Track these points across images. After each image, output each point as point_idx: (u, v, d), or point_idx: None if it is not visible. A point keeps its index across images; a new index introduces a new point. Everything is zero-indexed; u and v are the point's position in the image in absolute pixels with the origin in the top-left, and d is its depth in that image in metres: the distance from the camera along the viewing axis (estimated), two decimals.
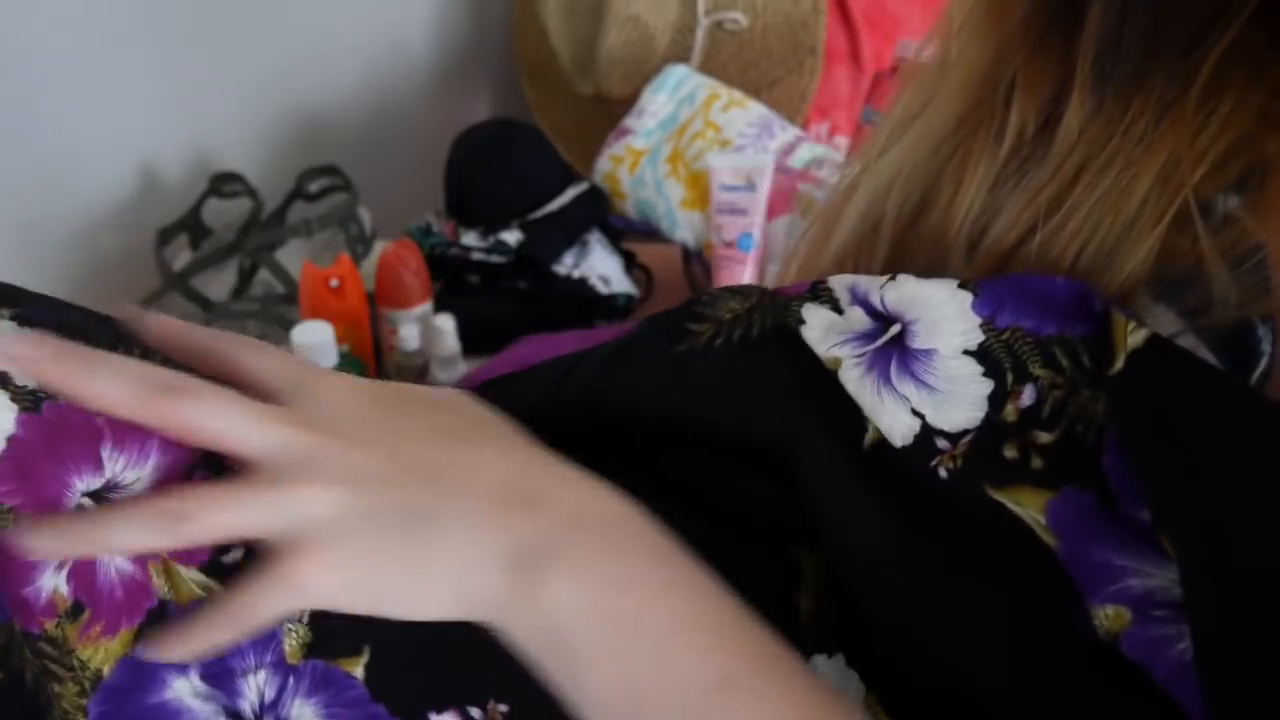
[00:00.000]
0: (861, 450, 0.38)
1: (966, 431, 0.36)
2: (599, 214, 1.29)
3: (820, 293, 0.40)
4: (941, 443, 0.36)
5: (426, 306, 1.13)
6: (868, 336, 0.38)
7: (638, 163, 1.39)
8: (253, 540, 0.36)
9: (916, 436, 0.37)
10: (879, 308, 0.38)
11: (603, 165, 1.42)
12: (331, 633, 0.37)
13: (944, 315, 0.37)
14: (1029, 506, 0.35)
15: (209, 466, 0.37)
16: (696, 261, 1.35)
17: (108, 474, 0.36)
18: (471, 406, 0.40)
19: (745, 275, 1.25)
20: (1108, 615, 0.34)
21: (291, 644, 0.37)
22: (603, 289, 1.23)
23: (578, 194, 1.28)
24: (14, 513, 0.36)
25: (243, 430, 0.35)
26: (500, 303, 1.22)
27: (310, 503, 0.34)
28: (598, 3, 1.44)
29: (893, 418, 0.37)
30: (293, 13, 1.40)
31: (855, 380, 0.38)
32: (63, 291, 0.40)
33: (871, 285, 0.39)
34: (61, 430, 0.36)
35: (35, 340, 0.34)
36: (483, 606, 0.35)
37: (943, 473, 0.36)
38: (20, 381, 0.36)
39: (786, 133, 1.38)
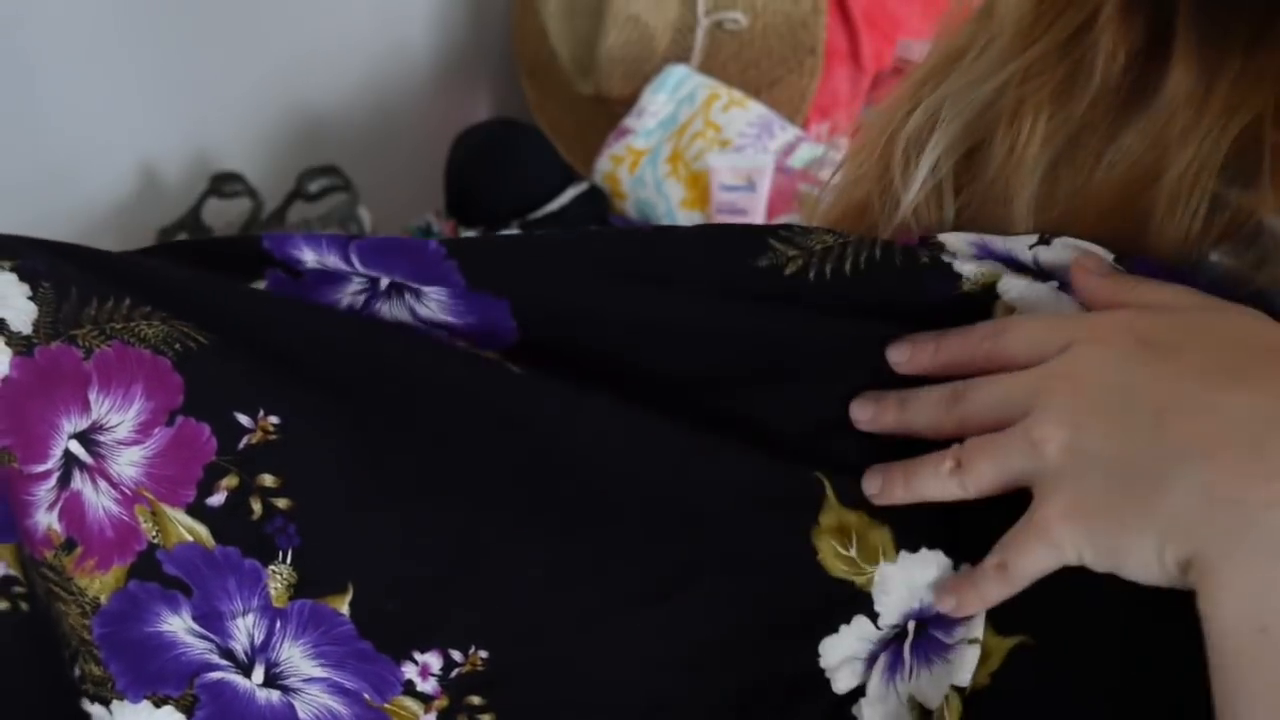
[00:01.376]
0: None
1: None
2: (599, 214, 1.29)
3: (934, 246, 0.40)
4: None
5: None
6: (1025, 269, 0.39)
7: (638, 163, 1.39)
8: (1016, 485, 0.37)
9: None
10: (1030, 265, 0.39)
11: (603, 165, 1.42)
12: (316, 570, 0.38)
13: None
14: None
15: (193, 411, 0.39)
16: None
17: (94, 415, 0.38)
18: (1274, 345, 0.35)
19: None
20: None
21: (277, 586, 0.39)
22: None
23: (578, 194, 1.28)
24: (7, 452, 0.38)
25: (1010, 392, 0.37)
26: None
27: (1044, 443, 0.35)
28: (598, 3, 1.44)
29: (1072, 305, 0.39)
30: (293, 13, 1.40)
31: (1024, 285, 0.39)
32: None
33: (1015, 245, 0.39)
34: (53, 373, 0.38)
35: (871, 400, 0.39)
36: (1203, 582, 0.33)
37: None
38: (15, 327, 0.38)
39: (786, 133, 1.38)
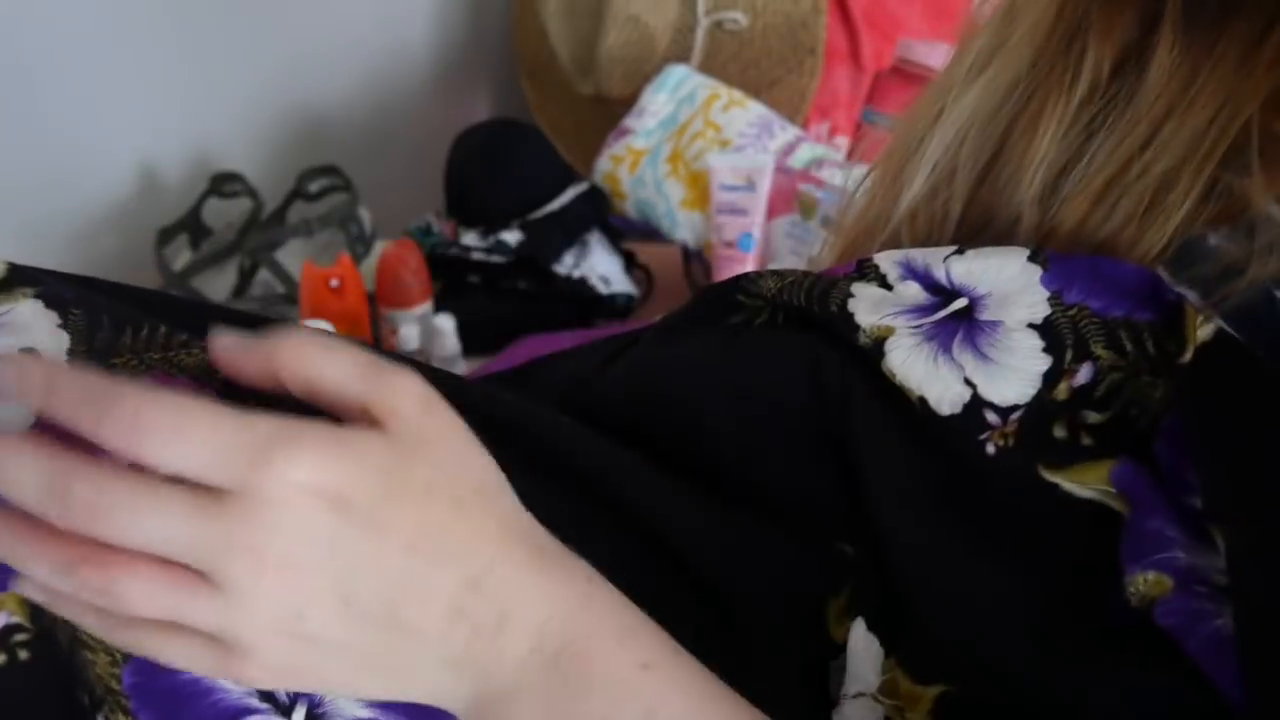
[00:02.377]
0: (908, 418, 0.38)
1: (1016, 407, 0.36)
2: (599, 214, 1.29)
3: (867, 270, 0.40)
4: (991, 416, 0.36)
5: (426, 306, 1.13)
6: (924, 310, 0.38)
7: (638, 163, 1.39)
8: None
9: (965, 406, 0.37)
10: (943, 281, 0.38)
11: (603, 165, 1.42)
12: None
13: (1014, 288, 0.37)
14: (1092, 479, 0.34)
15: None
16: (696, 261, 1.35)
17: None
18: (464, 491, 0.34)
19: None
20: (1146, 581, 0.34)
21: None
22: (603, 289, 1.23)
23: (578, 194, 1.28)
24: None
25: (171, 549, 0.30)
26: (500, 303, 1.22)
27: (251, 637, 0.31)
28: (598, 3, 1.44)
29: (945, 385, 0.37)
30: (293, 13, 1.40)
31: (907, 349, 0.38)
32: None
33: (933, 259, 0.39)
34: None
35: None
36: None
37: (990, 449, 0.36)
38: (48, 357, 0.35)
39: (786, 133, 1.38)
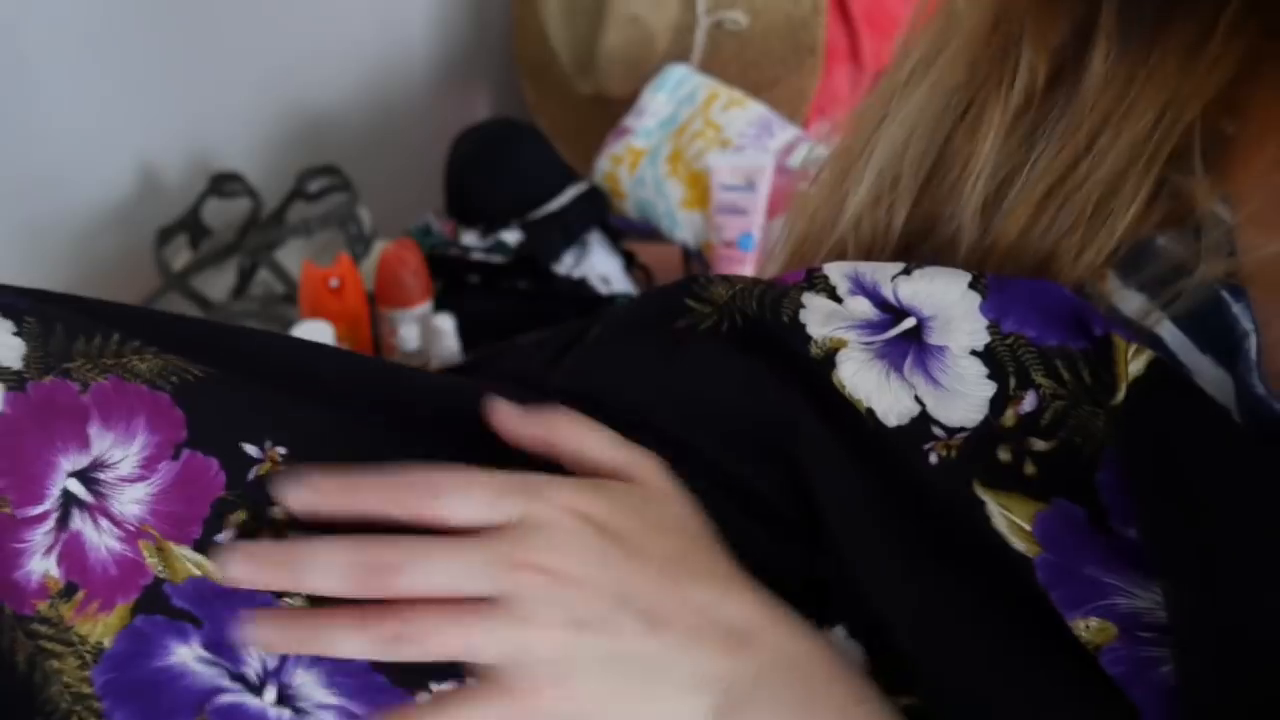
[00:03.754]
0: (855, 433, 0.38)
1: (963, 429, 0.36)
2: (599, 214, 1.29)
3: (816, 281, 0.40)
4: (937, 430, 0.37)
5: (426, 306, 1.13)
6: (875, 326, 0.38)
7: (638, 163, 1.39)
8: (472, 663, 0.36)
9: (913, 419, 0.37)
10: (890, 299, 0.38)
11: (603, 165, 1.42)
12: (331, 602, 0.37)
13: (955, 314, 0.37)
14: (1016, 513, 0.35)
15: (200, 445, 0.37)
16: (696, 261, 1.35)
17: (95, 452, 0.36)
18: (700, 533, 0.39)
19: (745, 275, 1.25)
20: (1090, 628, 0.34)
21: None
22: (603, 289, 1.23)
23: (578, 194, 1.28)
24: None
25: (466, 581, 0.35)
26: (500, 303, 1.22)
27: (538, 644, 0.35)
28: (598, 3, 1.44)
29: (895, 399, 0.37)
30: (293, 13, 1.40)
31: (859, 362, 0.38)
32: (61, 290, 0.40)
33: (881, 276, 0.39)
34: (48, 408, 0.36)
35: (241, 555, 0.35)
36: None
37: (933, 458, 0.36)
38: (4, 362, 0.36)
39: (786, 133, 1.38)
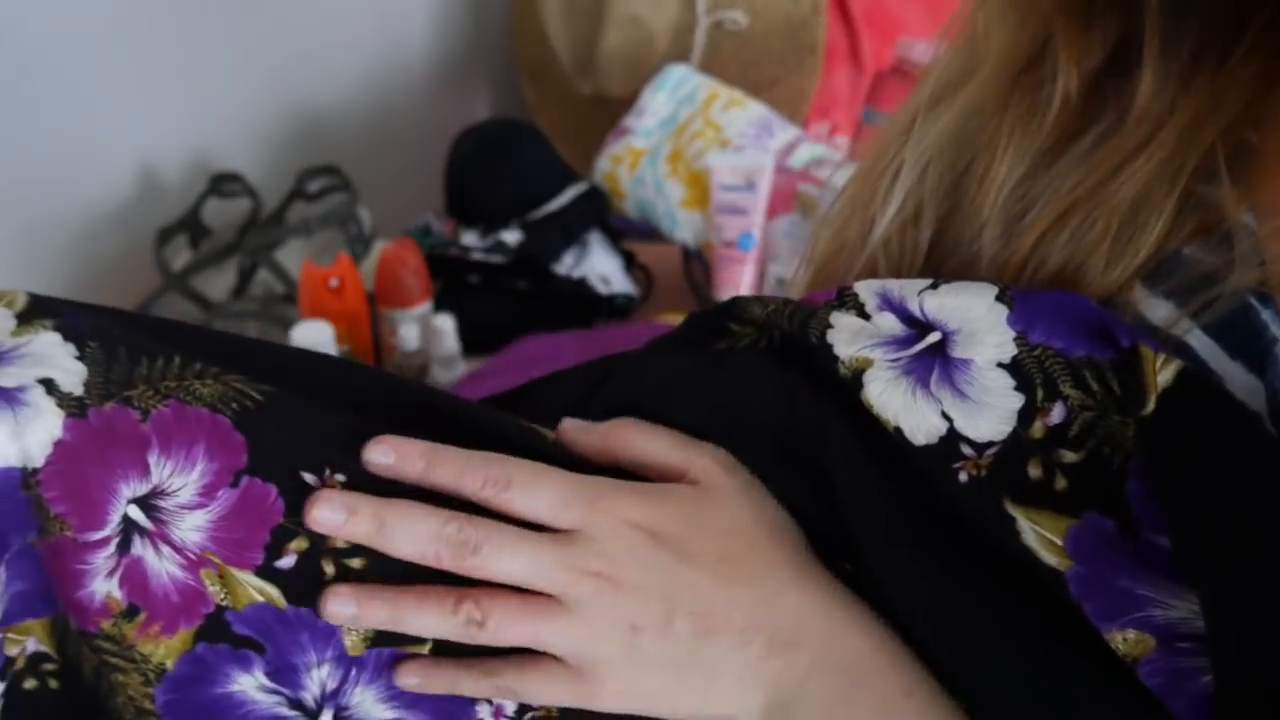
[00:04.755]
0: (885, 450, 0.38)
1: (992, 443, 0.36)
2: (599, 214, 1.29)
3: (846, 299, 0.40)
4: (966, 449, 0.37)
5: (426, 306, 1.14)
6: (901, 342, 0.38)
7: (638, 163, 1.39)
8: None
9: (941, 438, 0.37)
10: (917, 314, 0.38)
11: (603, 165, 1.42)
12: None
13: (981, 326, 0.37)
14: (1047, 528, 0.35)
15: (259, 472, 0.37)
16: (696, 261, 1.35)
17: (155, 480, 0.36)
18: (756, 530, 0.40)
19: (745, 275, 1.25)
20: (1126, 640, 0.34)
21: (353, 639, 0.38)
22: (603, 289, 1.23)
23: (578, 194, 1.28)
24: (60, 520, 0.36)
25: (536, 577, 0.37)
26: (500, 303, 1.22)
27: (599, 644, 0.37)
28: (598, 3, 1.44)
29: (921, 417, 0.37)
30: (293, 13, 1.40)
31: (885, 381, 0.38)
32: (62, 291, 0.40)
33: (908, 291, 0.39)
34: (108, 436, 0.36)
35: (339, 503, 0.37)
36: None
37: (963, 477, 0.36)
38: (65, 388, 0.36)
39: (786, 133, 1.38)
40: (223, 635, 0.37)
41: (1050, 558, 0.35)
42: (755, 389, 0.41)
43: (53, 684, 0.37)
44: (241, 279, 1.23)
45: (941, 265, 0.44)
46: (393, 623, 0.37)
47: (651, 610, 0.37)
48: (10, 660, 0.36)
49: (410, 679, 0.38)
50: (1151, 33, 0.38)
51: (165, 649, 0.37)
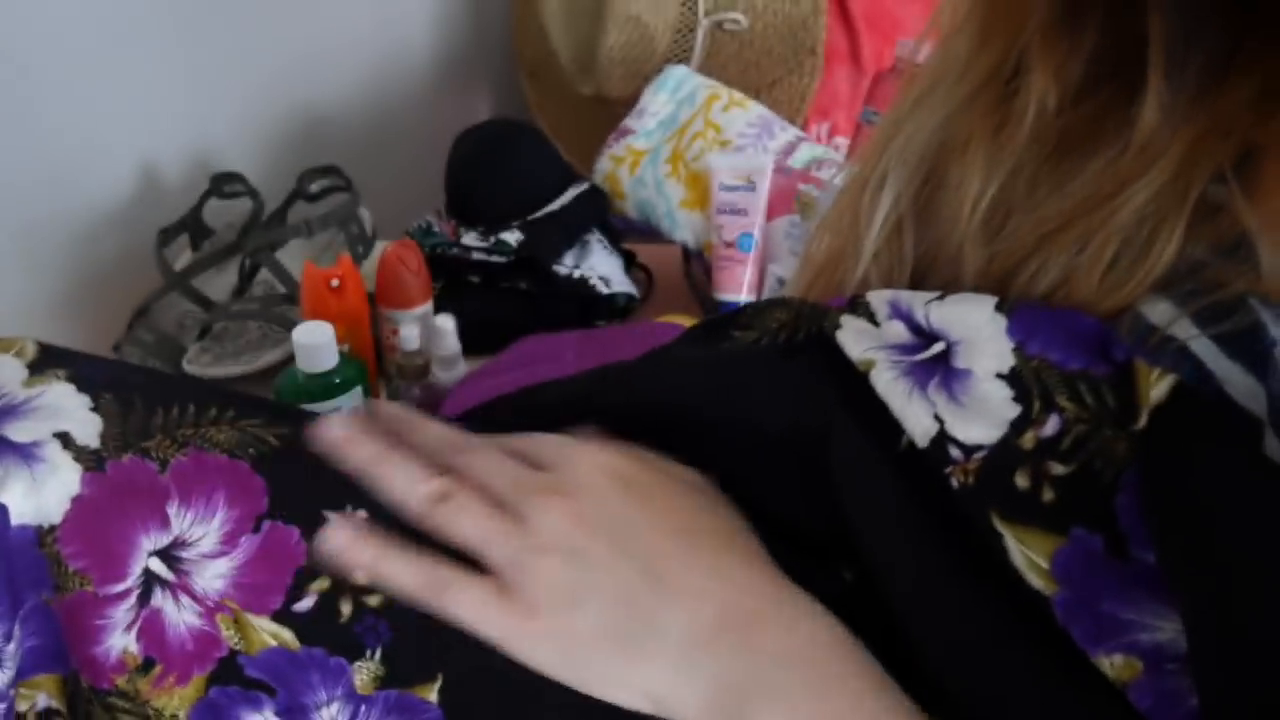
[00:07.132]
0: (894, 448, 0.38)
1: (980, 447, 0.36)
2: (599, 214, 1.29)
3: (858, 306, 0.41)
4: (955, 451, 0.37)
5: (427, 306, 1.14)
6: (906, 349, 0.38)
7: (638, 163, 1.39)
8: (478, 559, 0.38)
9: (933, 439, 0.37)
10: (923, 324, 0.38)
11: (603, 165, 1.42)
12: (405, 662, 0.37)
13: (981, 337, 0.37)
14: (1034, 549, 0.35)
15: (280, 514, 0.37)
16: (696, 261, 1.35)
17: (175, 531, 0.36)
18: (720, 505, 0.40)
19: (745, 275, 1.25)
20: (1114, 664, 0.34)
21: (363, 678, 0.37)
22: (603, 289, 1.23)
23: (578, 194, 1.28)
24: (80, 575, 0.36)
25: (505, 488, 0.38)
26: (500, 303, 1.22)
27: (539, 565, 0.36)
28: (598, 3, 1.44)
29: (917, 418, 0.37)
30: (293, 13, 1.40)
31: (887, 381, 0.38)
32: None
33: (915, 301, 0.39)
34: (127, 489, 0.36)
35: (349, 435, 0.38)
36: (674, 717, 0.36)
37: (954, 482, 0.36)
38: (81, 441, 0.36)
39: (786, 133, 1.38)
40: (234, 678, 0.37)
41: (1037, 581, 0.34)
42: (758, 379, 0.41)
43: None
44: (242, 279, 1.23)
45: (926, 278, 0.44)
46: (371, 465, 0.38)
47: (600, 542, 0.37)
48: (21, 716, 0.36)
49: (340, 536, 0.37)
50: (1155, 57, 0.38)
51: (179, 699, 0.37)
